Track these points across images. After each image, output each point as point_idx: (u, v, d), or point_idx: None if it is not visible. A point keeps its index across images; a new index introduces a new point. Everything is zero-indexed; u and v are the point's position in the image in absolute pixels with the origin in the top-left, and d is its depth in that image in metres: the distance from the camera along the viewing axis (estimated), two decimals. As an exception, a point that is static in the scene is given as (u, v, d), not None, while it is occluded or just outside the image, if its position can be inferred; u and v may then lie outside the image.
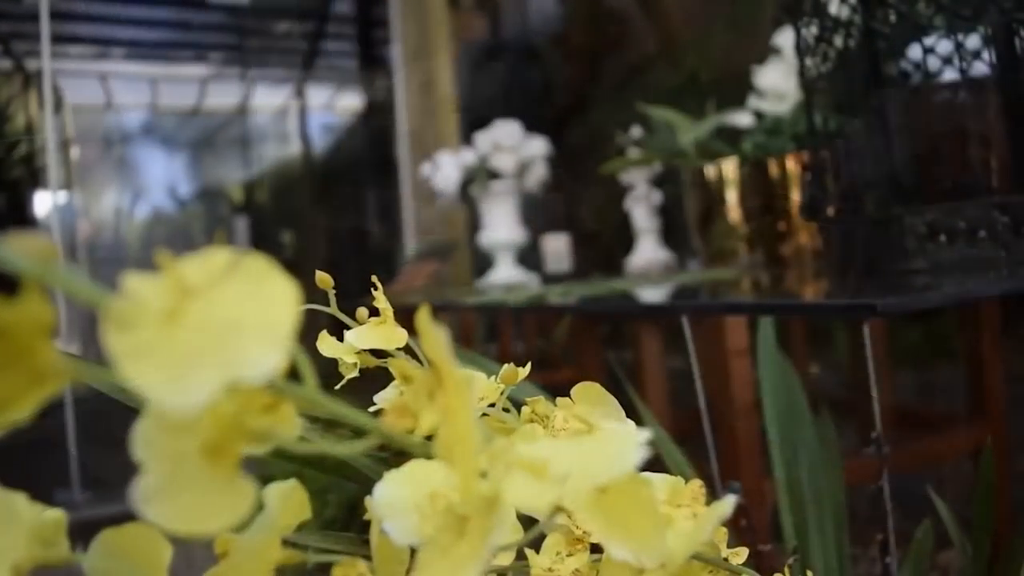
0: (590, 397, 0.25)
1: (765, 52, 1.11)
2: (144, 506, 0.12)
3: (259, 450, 0.15)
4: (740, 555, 0.25)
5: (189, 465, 0.13)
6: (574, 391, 0.25)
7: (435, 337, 0.15)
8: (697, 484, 0.22)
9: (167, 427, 0.13)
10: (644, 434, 0.17)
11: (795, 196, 1.22)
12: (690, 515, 0.21)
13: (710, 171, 1.20)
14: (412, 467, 0.24)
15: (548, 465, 0.16)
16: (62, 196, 1.71)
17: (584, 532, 0.21)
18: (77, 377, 0.11)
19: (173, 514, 0.13)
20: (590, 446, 0.17)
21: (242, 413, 0.14)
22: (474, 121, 1.06)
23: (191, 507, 0.13)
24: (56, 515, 0.15)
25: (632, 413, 0.61)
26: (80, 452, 1.27)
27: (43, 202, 1.72)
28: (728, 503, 0.18)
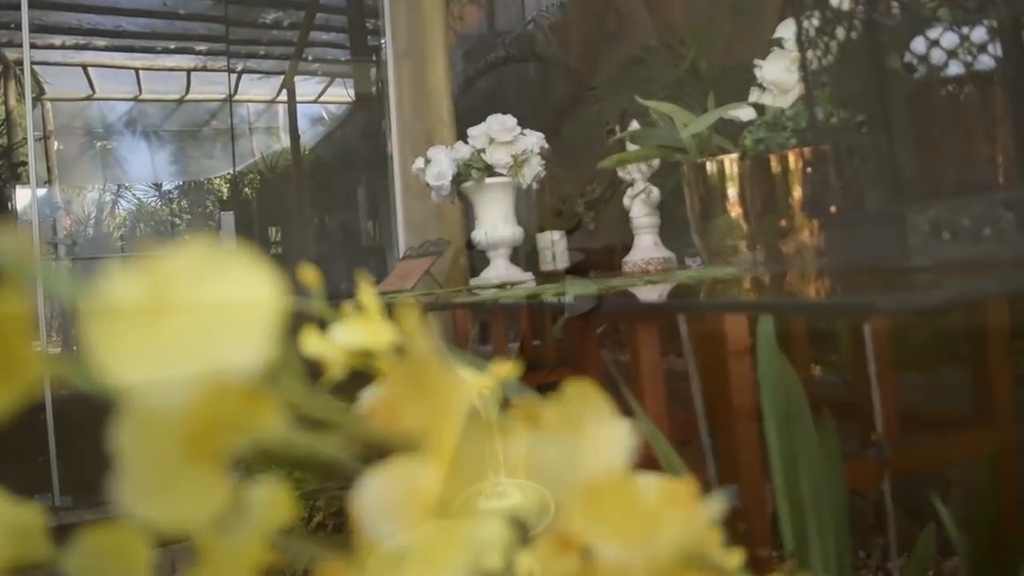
0: (582, 396, 0.25)
1: (767, 44, 1.08)
2: (124, 503, 0.12)
3: (244, 448, 0.15)
4: (735, 557, 0.24)
5: (170, 462, 0.14)
6: (566, 389, 0.26)
7: (420, 336, 0.14)
8: (690, 485, 0.22)
9: (147, 423, 0.13)
10: (634, 432, 0.18)
11: (797, 192, 1.19)
12: (681, 516, 0.21)
13: (710, 166, 1.17)
14: (396, 466, 0.25)
15: (537, 465, 0.17)
16: (42, 190, 1.67)
17: (574, 532, 0.21)
18: (55, 374, 0.12)
19: (153, 511, 0.13)
20: (579, 445, 0.18)
21: (224, 410, 0.14)
22: (468, 114, 1.03)
23: (172, 504, 0.14)
24: (35, 515, 0.14)
25: (628, 415, 0.59)
26: (60, 458, 1.24)
27: (23, 196, 1.67)
28: (719, 503, 0.18)
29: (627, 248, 1.11)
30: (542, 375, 0.76)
